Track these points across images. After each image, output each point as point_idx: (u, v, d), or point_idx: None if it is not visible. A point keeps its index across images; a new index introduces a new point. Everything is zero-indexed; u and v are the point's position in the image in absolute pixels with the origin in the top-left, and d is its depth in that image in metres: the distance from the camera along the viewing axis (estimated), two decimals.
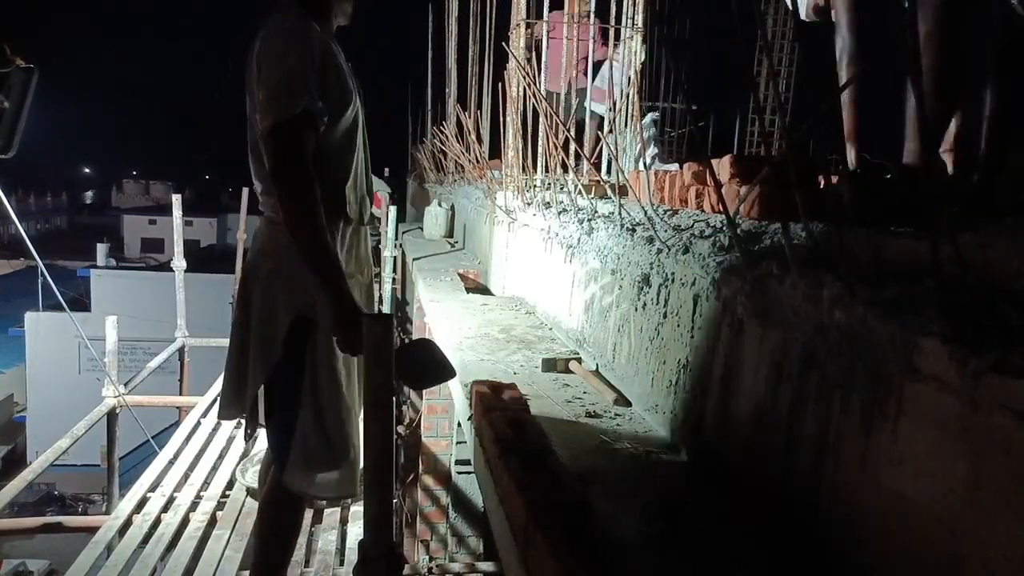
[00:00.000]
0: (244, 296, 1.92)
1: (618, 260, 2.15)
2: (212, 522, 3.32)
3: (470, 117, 4.77)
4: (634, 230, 2.12)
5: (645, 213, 2.07)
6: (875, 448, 1.00)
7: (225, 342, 2.00)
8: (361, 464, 1.93)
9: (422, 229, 6.87)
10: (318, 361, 1.87)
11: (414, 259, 5.12)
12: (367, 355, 1.52)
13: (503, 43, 3.56)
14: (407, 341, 1.90)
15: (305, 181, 1.69)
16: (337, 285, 1.73)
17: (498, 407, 1.68)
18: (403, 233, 7.23)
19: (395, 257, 7.03)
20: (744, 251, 1.41)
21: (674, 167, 3.98)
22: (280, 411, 1.91)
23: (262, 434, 2.43)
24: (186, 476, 3.82)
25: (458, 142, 5.40)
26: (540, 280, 3.10)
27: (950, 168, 2.02)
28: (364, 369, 1.53)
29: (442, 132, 6.18)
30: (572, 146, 3.13)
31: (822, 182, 1.33)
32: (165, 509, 3.44)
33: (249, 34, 1.85)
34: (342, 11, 1.95)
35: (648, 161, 3.81)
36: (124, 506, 3.48)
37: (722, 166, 1.87)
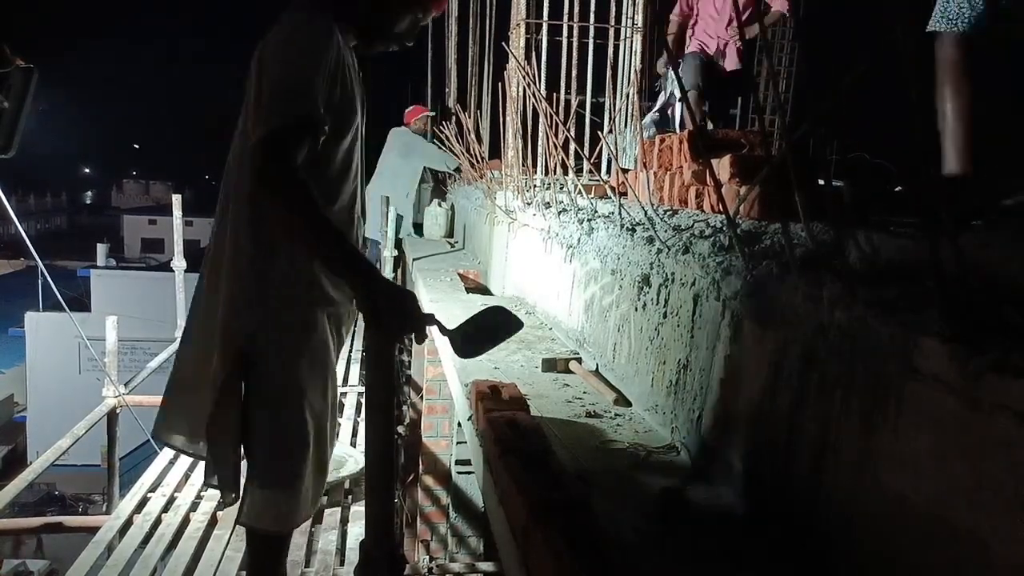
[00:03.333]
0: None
1: (618, 260, 2.16)
2: (212, 522, 3.32)
3: (470, 117, 4.77)
4: (634, 230, 2.12)
5: (645, 213, 2.07)
6: (875, 448, 1.00)
7: None
8: (310, 490, 1.85)
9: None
10: (263, 395, 1.74)
11: (414, 259, 5.12)
12: (368, 356, 1.52)
13: (503, 43, 3.56)
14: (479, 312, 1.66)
15: (296, 182, 1.47)
16: (361, 274, 1.48)
17: (498, 407, 1.68)
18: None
19: (395, 257, 7.02)
20: (744, 251, 1.41)
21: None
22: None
23: None
24: (187, 476, 3.81)
25: (458, 142, 5.41)
26: (540, 280, 3.10)
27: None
28: (365, 369, 1.53)
29: (442, 132, 6.18)
30: (572, 146, 3.13)
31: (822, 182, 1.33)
32: (166, 509, 3.44)
33: (255, 35, 1.74)
34: (366, 34, 1.76)
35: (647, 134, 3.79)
36: (124, 506, 3.48)
37: (722, 166, 1.87)
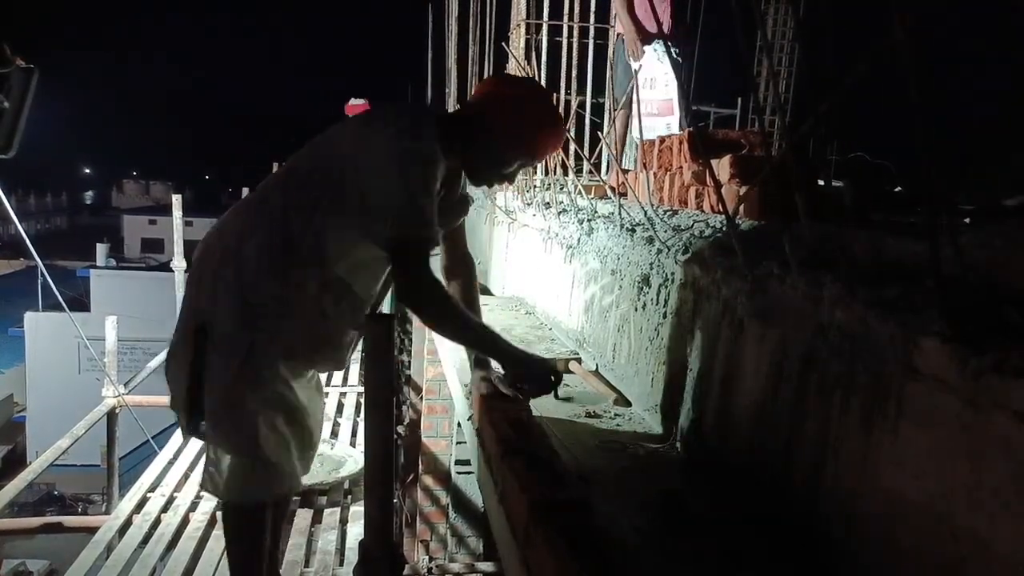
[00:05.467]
0: None
1: (618, 260, 2.16)
2: (212, 522, 3.32)
3: None
4: (634, 230, 2.12)
5: (645, 213, 2.08)
6: (875, 448, 1.00)
7: None
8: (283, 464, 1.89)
9: None
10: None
11: None
12: (367, 356, 1.52)
13: (503, 43, 3.56)
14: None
15: (434, 285, 1.84)
16: (501, 351, 1.77)
17: (499, 407, 1.68)
18: None
19: None
20: (744, 251, 1.41)
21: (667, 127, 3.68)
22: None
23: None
24: (186, 476, 3.81)
25: None
26: (540, 280, 3.10)
27: None
28: (364, 369, 1.53)
29: None
30: (572, 146, 3.13)
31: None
32: (165, 509, 3.44)
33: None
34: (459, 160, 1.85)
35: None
36: (124, 506, 3.49)
37: (722, 166, 1.87)
